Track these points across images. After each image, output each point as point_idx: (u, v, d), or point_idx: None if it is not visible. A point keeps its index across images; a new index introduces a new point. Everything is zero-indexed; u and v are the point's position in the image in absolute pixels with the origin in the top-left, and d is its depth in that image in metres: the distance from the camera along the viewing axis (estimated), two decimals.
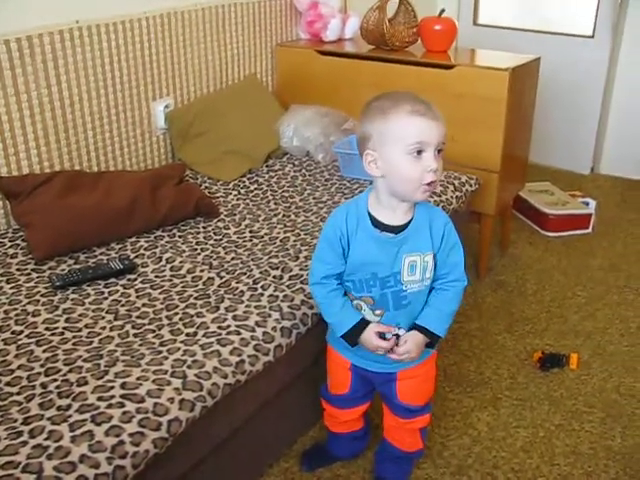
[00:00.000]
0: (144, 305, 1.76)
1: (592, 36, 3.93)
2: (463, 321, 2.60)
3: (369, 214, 1.51)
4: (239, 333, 1.62)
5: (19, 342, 1.60)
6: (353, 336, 1.56)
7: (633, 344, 2.48)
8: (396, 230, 1.50)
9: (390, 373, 1.65)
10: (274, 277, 1.86)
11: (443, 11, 2.89)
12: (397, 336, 1.57)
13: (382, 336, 1.55)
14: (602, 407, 2.17)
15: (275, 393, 1.76)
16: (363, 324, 1.55)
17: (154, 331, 1.64)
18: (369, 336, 1.55)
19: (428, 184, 1.40)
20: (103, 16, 2.30)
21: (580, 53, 3.95)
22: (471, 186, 2.60)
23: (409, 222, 1.50)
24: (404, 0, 2.95)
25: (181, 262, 1.97)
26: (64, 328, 1.66)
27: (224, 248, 2.06)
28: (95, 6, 2.27)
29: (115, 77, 2.39)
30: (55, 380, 1.47)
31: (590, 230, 3.36)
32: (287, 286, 1.81)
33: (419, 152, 1.39)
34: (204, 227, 2.19)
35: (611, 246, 3.23)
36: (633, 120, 4.00)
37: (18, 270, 1.92)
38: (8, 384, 1.46)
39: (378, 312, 1.56)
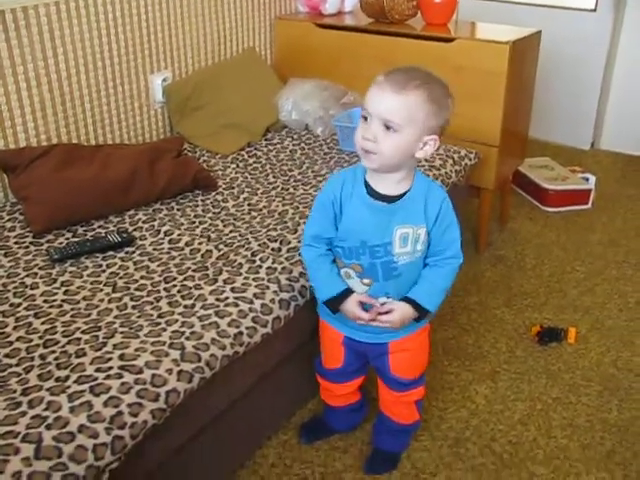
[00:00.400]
0: (142, 277, 1.76)
1: (594, 9, 3.90)
2: (462, 295, 2.61)
3: (366, 182, 1.52)
4: (237, 305, 1.62)
5: (17, 314, 1.60)
6: (335, 303, 1.58)
7: (631, 319, 2.49)
8: (390, 200, 1.50)
9: (381, 344, 1.65)
10: (272, 249, 1.85)
11: None
12: (383, 304, 1.58)
13: (365, 307, 1.57)
14: (599, 381, 2.18)
15: (273, 365, 1.77)
16: (347, 293, 1.56)
17: (152, 303, 1.64)
18: (351, 306, 1.56)
19: (364, 150, 1.43)
20: None
21: (582, 27, 3.92)
22: (470, 160, 2.59)
23: (405, 193, 1.50)
24: None
25: (179, 235, 1.96)
26: (62, 300, 1.66)
27: (222, 221, 2.05)
28: None
29: (112, 49, 2.37)
30: (54, 352, 1.47)
31: (589, 205, 3.35)
32: (285, 258, 1.81)
33: (365, 118, 1.43)
34: (202, 200, 2.19)
35: (610, 221, 3.23)
36: (634, 96, 3.98)
37: (16, 243, 1.92)
38: (7, 356, 1.46)
39: (366, 281, 1.56)
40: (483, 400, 2.09)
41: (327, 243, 1.59)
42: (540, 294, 2.63)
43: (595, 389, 2.14)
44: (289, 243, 1.89)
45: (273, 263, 1.78)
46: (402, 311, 1.55)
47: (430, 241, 1.53)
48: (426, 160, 2.46)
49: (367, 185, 1.52)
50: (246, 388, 1.69)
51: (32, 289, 1.70)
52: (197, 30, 2.70)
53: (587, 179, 3.40)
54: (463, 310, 2.52)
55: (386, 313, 1.56)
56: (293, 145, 2.64)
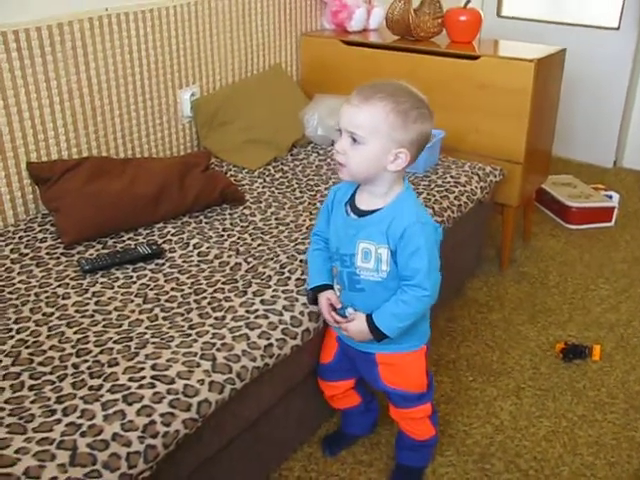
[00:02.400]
0: (172, 289, 1.78)
1: (618, 28, 3.90)
2: (486, 312, 2.61)
3: (353, 193, 1.59)
4: (267, 317, 1.64)
5: (50, 324, 1.63)
6: (314, 294, 1.67)
7: None
8: (362, 214, 1.55)
9: (368, 353, 1.66)
10: (301, 261, 1.87)
11: (469, 2, 2.88)
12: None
13: (334, 308, 1.64)
14: (625, 398, 2.17)
15: (302, 378, 1.78)
16: (324, 288, 1.65)
17: (183, 315, 1.66)
18: (321, 299, 1.65)
19: (338, 163, 1.50)
20: (132, 4, 2.32)
21: (605, 45, 3.93)
22: (495, 177, 2.60)
23: (377, 210, 1.53)
24: None
25: (208, 248, 1.99)
26: (94, 311, 1.68)
27: (250, 235, 2.08)
28: None
29: (142, 65, 2.41)
30: (86, 361, 1.49)
31: (613, 223, 3.34)
32: None
33: (340, 132, 1.48)
34: (230, 214, 2.21)
35: (634, 239, 3.22)
36: None
37: (47, 254, 1.95)
38: (41, 364, 1.48)
39: (338, 287, 1.63)
40: (508, 416, 2.08)
41: (325, 241, 1.69)
42: (564, 311, 2.63)
43: (621, 407, 2.13)
44: None
45: (302, 275, 1.80)
46: (358, 323, 1.58)
47: (397, 264, 1.52)
48: (451, 177, 2.48)
49: (352, 197, 1.59)
50: (275, 400, 1.71)
51: (64, 299, 1.73)
52: (225, 46, 2.73)
53: (610, 197, 3.40)
54: (487, 326, 2.52)
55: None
56: (319, 160, 2.66)
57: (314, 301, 1.69)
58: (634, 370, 2.29)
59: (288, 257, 1.90)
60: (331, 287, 1.65)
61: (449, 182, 2.44)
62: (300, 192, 2.40)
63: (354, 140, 1.44)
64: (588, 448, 1.97)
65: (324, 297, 1.64)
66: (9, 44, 1.99)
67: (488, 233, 2.98)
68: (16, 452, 1.22)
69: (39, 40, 2.06)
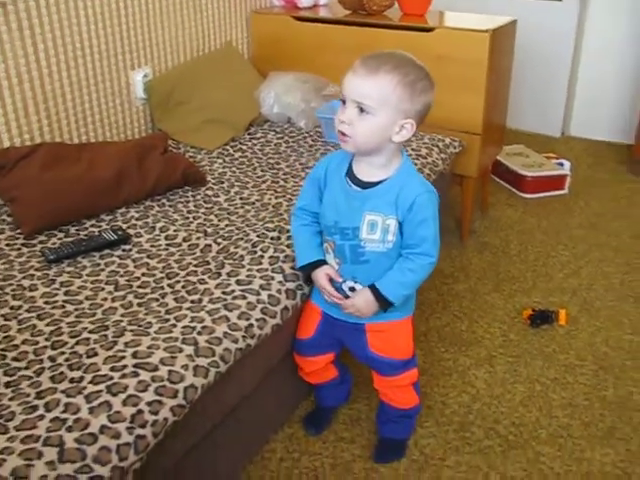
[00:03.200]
0: (144, 275, 1.73)
1: (560, 0, 3.96)
2: (451, 283, 2.63)
3: (350, 165, 1.56)
4: (245, 297, 1.60)
5: (19, 317, 1.56)
6: (307, 270, 1.65)
7: (617, 298, 2.53)
8: (365, 186, 1.53)
9: (358, 324, 1.66)
10: (272, 239, 1.83)
11: None
12: (353, 289, 1.60)
13: (334, 285, 1.60)
14: (593, 360, 2.21)
15: (281, 357, 1.76)
16: (319, 264, 1.62)
17: (158, 300, 1.61)
18: (319, 275, 1.62)
19: (340, 132, 1.47)
20: None
21: (549, 17, 3.97)
22: (455, 148, 2.61)
23: (381, 181, 1.52)
24: None
25: (175, 231, 1.94)
26: (64, 301, 1.62)
27: (216, 216, 2.03)
28: None
29: (93, 46, 2.33)
30: (63, 353, 1.43)
31: (566, 191, 3.40)
32: (287, 246, 1.79)
33: (343, 102, 1.47)
34: (193, 196, 2.16)
35: (587, 206, 3.28)
36: (600, 84, 4.06)
37: (7, 245, 1.87)
38: (15, 359, 1.42)
39: (337, 260, 1.61)
40: (483, 384, 2.10)
41: (313, 216, 1.66)
42: (527, 278, 2.66)
43: (590, 368, 2.17)
44: (288, 231, 1.86)
45: (275, 252, 1.77)
46: (364, 296, 1.57)
47: (403, 233, 1.53)
48: (413, 149, 2.47)
49: (350, 169, 1.56)
50: (256, 382, 1.68)
51: (31, 291, 1.66)
52: (175, 25, 2.66)
53: (562, 165, 3.45)
54: (454, 297, 2.54)
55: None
56: (277, 139, 2.62)
57: (308, 278, 1.67)
58: (599, 332, 2.34)
59: (258, 236, 1.86)
60: (324, 262, 1.63)
61: (410, 155, 2.43)
62: (262, 171, 2.36)
63: (361, 110, 1.43)
64: (563, 410, 2.00)
65: (322, 272, 1.61)
66: None
67: (448, 204, 2.99)
68: (0, 453, 1.17)
69: None
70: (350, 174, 1.56)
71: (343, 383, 1.94)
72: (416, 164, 2.37)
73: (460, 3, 3.89)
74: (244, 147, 2.55)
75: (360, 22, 2.83)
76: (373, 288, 1.56)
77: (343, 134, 1.47)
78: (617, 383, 2.11)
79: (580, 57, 4.07)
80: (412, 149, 2.47)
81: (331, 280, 1.61)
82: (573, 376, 2.14)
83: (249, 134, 2.67)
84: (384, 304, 1.56)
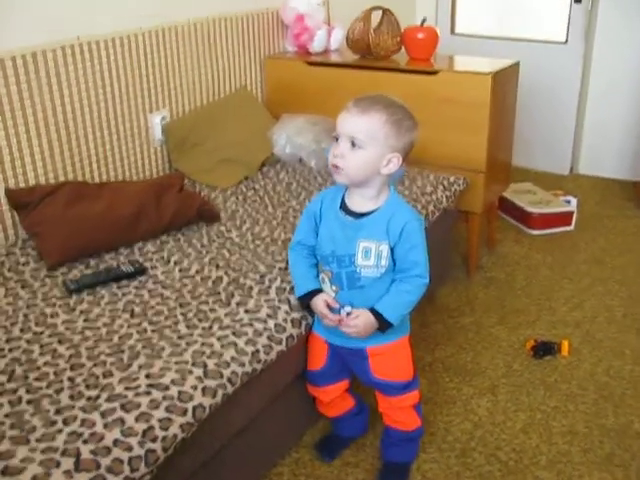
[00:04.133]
0: (158, 304, 1.83)
1: (566, 42, 4.08)
2: (457, 316, 2.70)
3: (343, 199, 1.69)
4: (252, 325, 1.70)
5: (42, 341, 1.66)
6: (306, 299, 1.75)
7: (620, 330, 2.60)
8: (358, 216, 1.67)
9: (360, 349, 1.76)
10: (280, 269, 1.94)
11: (425, 20, 3.00)
12: (348, 314, 1.70)
13: (331, 308, 1.71)
14: (594, 389, 2.27)
15: (287, 383, 1.84)
16: (316, 292, 1.73)
17: (171, 326, 1.72)
18: (318, 302, 1.72)
19: (333, 165, 1.62)
20: (102, 32, 2.38)
21: (555, 58, 4.10)
22: (459, 185, 2.71)
23: (373, 211, 1.65)
24: (387, 11, 3.07)
25: (189, 264, 2.04)
26: (83, 327, 1.73)
27: (228, 250, 2.14)
28: (94, 22, 2.35)
29: (114, 90, 2.48)
30: (81, 374, 1.53)
31: (572, 227, 3.48)
32: None
33: (337, 139, 1.61)
34: (207, 231, 2.27)
35: (593, 241, 3.35)
36: (608, 121, 4.16)
37: (32, 277, 1.99)
38: (37, 379, 1.52)
39: (334, 288, 1.72)
40: (485, 412, 2.17)
41: (309, 249, 1.79)
42: (532, 311, 2.73)
43: (591, 397, 2.23)
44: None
45: (282, 283, 1.87)
46: (364, 318, 1.67)
47: (395, 259, 1.66)
48: (417, 187, 2.58)
49: (343, 202, 1.70)
50: (263, 405, 1.77)
51: (52, 318, 1.77)
52: (192, 70, 2.81)
53: (569, 202, 3.54)
54: (459, 330, 2.61)
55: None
56: (288, 178, 2.74)
57: (307, 306, 1.77)
58: (601, 362, 2.40)
59: (267, 268, 1.97)
60: (321, 291, 1.73)
61: (415, 192, 2.54)
62: (272, 208, 2.47)
63: (353, 145, 1.58)
64: (563, 437, 2.06)
65: (321, 299, 1.71)
66: None
67: (454, 241, 3.08)
68: (22, 461, 1.26)
69: (14, 69, 2.11)
70: (344, 206, 1.70)
71: (361, 413, 2.02)
72: (421, 201, 2.47)
73: (466, 46, 4.05)
74: (257, 186, 2.67)
75: (368, 66, 2.97)
76: (373, 310, 1.66)
77: (336, 167, 1.62)
78: (617, 411, 2.17)
79: (587, 96, 4.18)
80: (417, 186, 2.58)
81: (329, 307, 1.71)
82: (574, 405, 2.20)
83: (262, 173, 2.79)
84: (383, 325, 1.67)
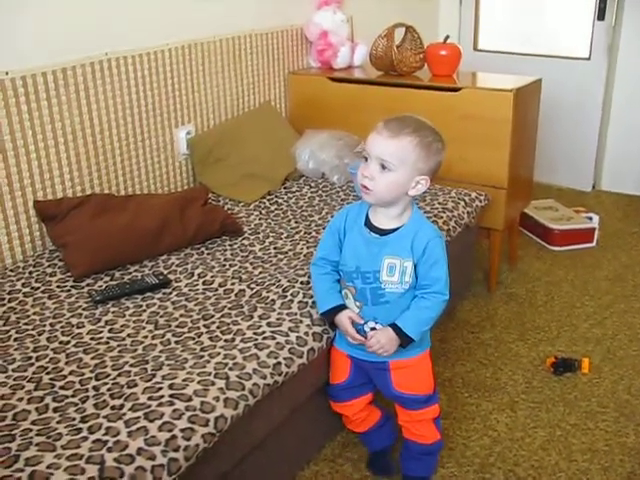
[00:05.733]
0: (181, 316, 1.87)
1: (589, 58, 4.08)
2: (477, 332, 2.71)
3: (367, 215, 1.73)
4: (274, 338, 1.73)
5: (67, 351, 1.70)
6: (330, 315, 1.77)
7: None
8: (383, 233, 1.69)
9: (382, 362, 1.78)
10: (302, 283, 1.96)
11: (448, 37, 3.03)
12: (374, 329, 1.73)
13: (355, 326, 1.74)
14: (615, 407, 2.26)
15: (307, 396, 1.86)
16: (340, 308, 1.76)
17: (194, 338, 1.75)
18: (342, 318, 1.75)
19: (363, 186, 1.64)
20: (130, 48, 2.43)
21: (578, 75, 4.11)
22: (481, 202, 2.72)
23: (397, 228, 1.68)
24: (410, 28, 3.10)
25: (212, 277, 2.08)
26: (108, 338, 1.77)
27: (251, 263, 2.17)
28: (123, 39, 2.41)
29: (141, 105, 2.53)
30: (106, 383, 1.57)
31: (594, 244, 3.47)
32: None
33: (366, 159, 1.64)
34: (230, 245, 2.31)
35: (615, 258, 3.34)
36: (631, 138, 4.15)
37: (58, 287, 2.03)
38: (62, 388, 1.56)
39: (358, 304, 1.74)
40: (504, 428, 2.17)
41: (332, 265, 1.80)
42: (552, 328, 2.73)
43: (612, 415, 2.23)
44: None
45: (304, 297, 1.89)
46: (385, 333, 1.70)
47: (417, 275, 1.68)
48: (439, 203, 2.59)
49: (367, 218, 1.72)
50: (284, 417, 1.79)
51: (78, 328, 1.81)
52: (217, 86, 2.86)
53: (591, 218, 3.53)
54: (479, 345, 2.62)
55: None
56: (311, 192, 2.77)
57: (330, 323, 1.80)
58: (622, 380, 2.40)
59: (289, 281, 1.99)
60: (344, 307, 1.76)
61: (437, 208, 2.55)
62: (295, 222, 2.50)
63: (383, 167, 1.60)
64: (582, 455, 2.06)
65: (345, 316, 1.74)
66: (17, 89, 2.09)
67: (475, 257, 3.09)
68: (48, 467, 1.29)
69: (45, 84, 2.17)
70: (368, 223, 1.72)
71: (386, 424, 2.01)
72: (442, 217, 2.48)
73: (489, 63, 4.07)
74: (280, 200, 2.70)
75: (391, 83, 3.00)
76: (394, 326, 1.69)
77: (365, 187, 1.63)
78: (638, 430, 2.16)
79: (610, 113, 4.17)
80: (438, 202, 2.59)
81: (353, 322, 1.73)
82: (594, 422, 2.20)
83: (285, 188, 2.82)
84: (405, 341, 1.69)
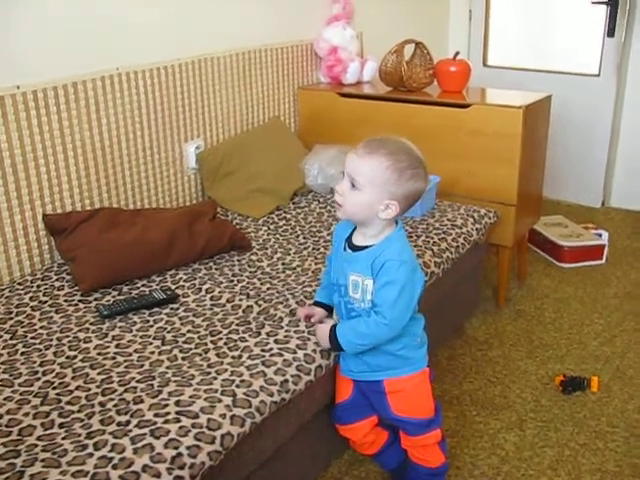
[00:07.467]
0: (189, 331, 1.86)
1: (598, 75, 4.08)
2: (486, 349, 2.69)
3: (352, 231, 1.74)
4: (281, 355, 1.72)
5: (74, 366, 1.70)
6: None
7: None
8: (355, 249, 1.70)
9: (377, 382, 1.77)
10: (310, 303, 1.95)
11: (458, 53, 3.03)
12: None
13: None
14: (625, 427, 2.24)
15: (314, 414, 1.85)
16: (319, 304, 1.88)
17: (201, 354, 1.74)
18: (306, 307, 1.91)
19: (335, 201, 1.67)
20: (140, 62, 2.45)
21: (587, 91, 4.10)
22: (490, 219, 2.71)
23: (368, 246, 1.67)
24: (420, 44, 3.10)
25: (220, 292, 2.07)
26: (115, 353, 1.76)
27: (259, 279, 2.16)
28: (134, 53, 2.42)
29: (150, 120, 2.53)
30: (112, 399, 1.56)
31: (604, 261, 3.45)
32: None
33: (344, 176, 1.65)
34: (238, 260, 2.30)
35: (625, 275, 3.32)
36: None
37: (66, 301, 2.03)
38: (69, 403, 1.55)
39: (336, 317, 1.82)
40: (512, 447, 2.15)
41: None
42: (561, 346, 2.71)
43: (621, 435, 2.20)
44: None
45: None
46: (324, 329, 1.74)
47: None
48: (448, 219, 2.59)
49: (351, 234, 1.74)
50: (290, 434, 1.77)
51: (85, 343, 1.81)
52: (227, 101, 2.87)
53: (600, 235, 3.51)
54: (487, 363, 2.60)
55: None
56: (320, 208, 2.77)
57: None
58: (632, 399, 2.37)
59: (297, 302, 1.99)
60: (323, 305, 1.86)
61: (446, 225, 2.55)
62: (304, 238, 2.50)
63: (353, 185, 1.61)
64: (592, 475, 2.04)
65: (310, 308, 1.88)
66: (28, 103, 2.10)
67: (484, 274, 3.08)
68: None
69: (55, 98, 2.18)
70: (349, 239, 1.73)
71: (396, 440, 1.97)
72: (451, 234, 2.48)
73: (498, 78, 4.07)
74: (288, 215, 2.70)
75: (401, 98, 3.00)
76: (333, 326, 1.72)
77: (337, 203, 1.66)
78: None
79: (619, 129, 4.16)
80: (447, 219, 2.59)
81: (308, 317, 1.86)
82: (603, 442, 2.17)
83: (294, 203, 2.82)
84: (334, 343, 1.71)
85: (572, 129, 4.12)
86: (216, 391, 1.57)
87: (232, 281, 2.15)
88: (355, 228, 1.73)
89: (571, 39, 4.23)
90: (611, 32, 3.96)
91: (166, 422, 1.46)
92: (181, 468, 1.37)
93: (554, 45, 4.32)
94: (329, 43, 3.21)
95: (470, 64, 3.03)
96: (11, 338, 1.83)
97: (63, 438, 1.43)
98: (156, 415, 1.49)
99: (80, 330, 1.87)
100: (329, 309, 1.86)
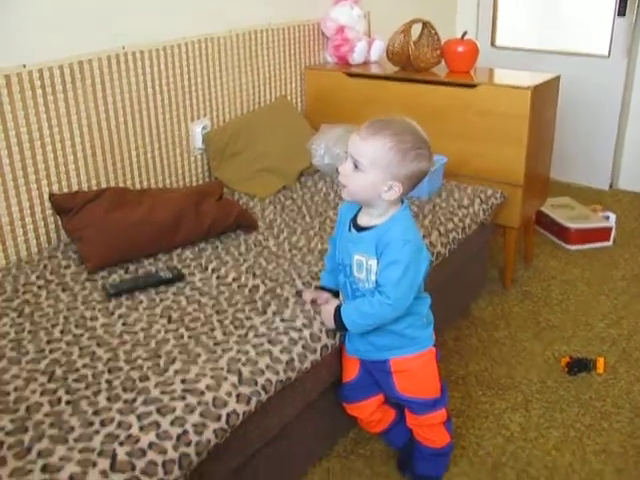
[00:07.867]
0: (195, 310, 1.86)
1: (608, 56, 4.04)
2: (492, 330, 2.69)
3: (357, 212, 1.73)
4: (287, 334, 1.72)
5: (81, 344, 1.71)
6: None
7: None
8: (360, 230, 1.70)
9: (383, 361, 1.77)
10: (316, 287, 1.95)
11: (465, 33, 3.01)
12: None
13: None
14: (630, 408, 2.24)
15: (320, 392, 1.86)
16: (325, 288, 1.88)
17: (207, 333, 1.74)
18: (311, 290, 1.91)
19: (340, 182, 1.67)
20: (146, 42, 2.43)
21: (597, 72, 4.06)
22: (497, 199, 2.70)
23: (373, 227, 1.67)
24: (427, 23, 3.08)
25: (226, 271, 2.07)
26: (122, 331, 1.76)
27: (265, 259, 2.16)
28: (140, 33, 2.41)
29: (157, 99, 2.52)
30: (119, 377, 1.57)
31: (611, 243, 3.44)
32: None
33: (347, 157, 1.64)
34: (245, 239, 2.30)
35: (632, 257, 3.31)
36: None
37: (72, 280, 2.03)
38: (75, 380, 1.56)
39: (342, 297, 1.80)
40: (518, 428, 2.16)
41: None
42: (567, 327, 2.71)
43: (627, 416, 2.20)
44: None
45: None
46: (328, 309, 1.76)
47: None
48: (454, 200, 2.58)
49: (356, 215, 1.73)
50: (296, 413, 1.78)
51: (92, 321, 1.81)
52: (233, 81, 2.86)
53: (608, 217, 3.50)
54: (494, 344, 2.60)
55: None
56: (326, 188, 2.76)
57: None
58: (638, 381, 2.37)
59: (304, 283, 1.99)
60: (328, 290, 1.85)
61: (453, 205, 2.54)
62: (310, 218, 2.49)
63: (356, 166, 1.60)
64: (596, 456, 2.04)
65: (316, 292, 1.87)
66: (34, 81, 2.10)
67: (490, 255, 3.07)
68: (60, 459, 1.30)
69: (61, 77, 2.17)
70: (354, 220, 1.72)
71: (403, 418, 1.97)
72: (458, 214, 2.47)
73: (506, 59, 4.04)
74: (295, 195, 2.69)
75: (408, 78, 2.98)
76: (337, 307, 1.73)
77: (342, 184, 1.66)
78: None
79: (629, 111, 4.13)
80: (454, 199, 2.58)
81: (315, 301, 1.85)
82: (608, 423, 2.18)
83: (300, 183, 2.81)
84: (338, 323, 1.73)
85: (581, 110, 4.09)
86: (222, 369, 1.57)
87: (238, 260, 2.15)
88: (360, 208, 1.72)
89: (581, 19, 4.18)
90: (622, 11, 3.92)
91: (172, 400, 1.47)
92: (187, 445, 1.38)
93: (563, 25, 4.27)
94: (336, 22, 3.19)
95: (478, 44, 3.00)
96: (18, 316, 1.83)
97: (70, 415, 1.44)
98: (162, 393, 1.49)
99: (87, 309, 1.87)
100: (334, 294, 1.85)
